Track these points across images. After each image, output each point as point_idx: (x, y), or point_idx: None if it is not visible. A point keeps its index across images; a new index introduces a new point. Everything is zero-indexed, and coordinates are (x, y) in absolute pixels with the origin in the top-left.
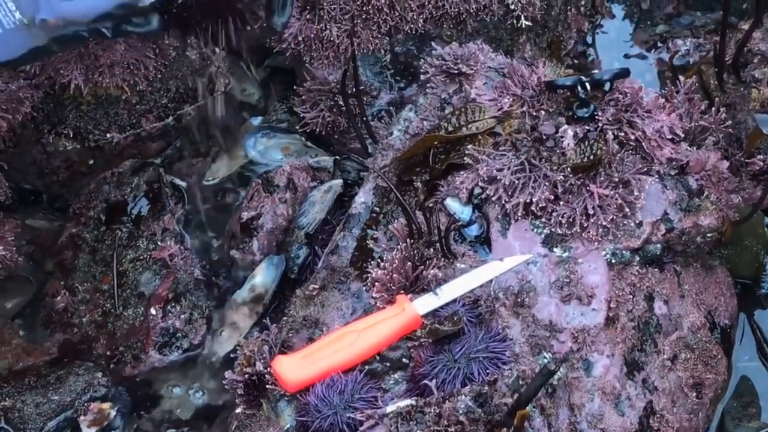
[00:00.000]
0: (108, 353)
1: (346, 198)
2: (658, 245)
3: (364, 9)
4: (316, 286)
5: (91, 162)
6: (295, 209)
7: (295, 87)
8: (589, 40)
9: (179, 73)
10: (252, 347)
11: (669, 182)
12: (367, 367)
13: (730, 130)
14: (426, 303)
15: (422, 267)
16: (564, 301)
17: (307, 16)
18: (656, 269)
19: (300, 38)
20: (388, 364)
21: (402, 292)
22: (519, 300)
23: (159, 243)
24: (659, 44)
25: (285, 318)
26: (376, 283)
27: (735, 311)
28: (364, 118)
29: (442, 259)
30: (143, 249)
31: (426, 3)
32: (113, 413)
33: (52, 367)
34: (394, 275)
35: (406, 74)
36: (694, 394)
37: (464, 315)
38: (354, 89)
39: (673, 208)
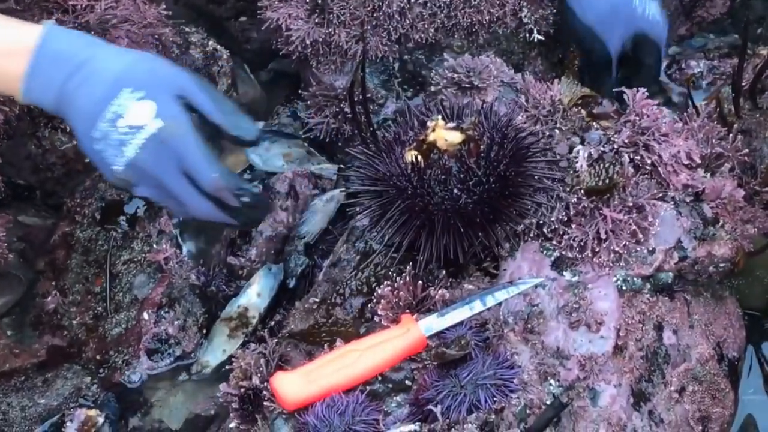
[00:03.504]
0: (98, 357)
1: (348, 209)
2: (670, 273)
3: (375, 15)
4: (317, 300)
5: (87, 159)
6: (296, 217)
7: (300, 91)
8: None
9: None
10: (248, 360)
11: (684, 209)
12: (368, 387)
13: (746, 158)
14: (432, 324)
15: (431, 286)
16: (572, 327)
17: (316, 20)
18: (666, 298)
19: (307, 42)
20: (390, 385)
21: (407, 311)
22: (528, 326)
23: (154, 245)
24: (672, 66)
25: (283, 331)
26: (382, 300)
27: (743, 343)
28: (371, 127)
29: (450, 280)
30: (138, 251)
31: (438, 12)
32: (101, 420)
33: (39, 370)
34: (401, 293)
35: (414, 83)
36: (700, 428)
37: (472, 339)
38: (361, 96)
39: (687, 236)
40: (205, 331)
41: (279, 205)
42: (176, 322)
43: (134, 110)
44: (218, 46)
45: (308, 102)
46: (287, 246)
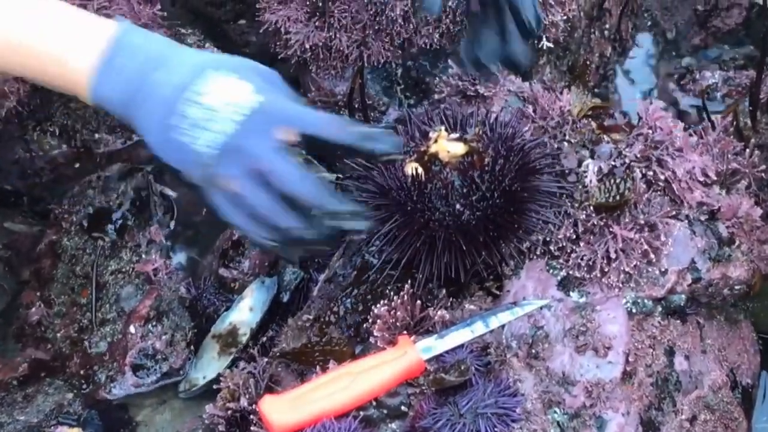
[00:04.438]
0: (81, 372)
1: None
2: (683, 296)
3: (377, 19)
4: (310, 317)
5: (77, 165)
6: None
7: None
8: (611, 68)
9: None
10: (236, 380)
11: (698, 228)
12: (362, 413)
13: (764, 174)
14: (430, 346)
15: (430, 306)
16: (579, 351)
17: (316, 23)
18: (678, 321)
19: (307, 46)
20: (385, 411)
21: (405, 332)
22: (533, 351)
23: (143, 255)
24: (685, 77)
25: (275, 350)
26: (378, 321)
27: (757, 370)
28: None
29: (451, 299)
30: (126, 261)
31: (443, 17)
32: None
33: (20, 385)
34: (398, 313)
35: (417, 91)
36: None
37: (472, 364)
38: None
39: (701, 256)
40: (193, 346)
41: None
42: (164, 337)
43: (227, 86)
44: (215, 49)
45: None
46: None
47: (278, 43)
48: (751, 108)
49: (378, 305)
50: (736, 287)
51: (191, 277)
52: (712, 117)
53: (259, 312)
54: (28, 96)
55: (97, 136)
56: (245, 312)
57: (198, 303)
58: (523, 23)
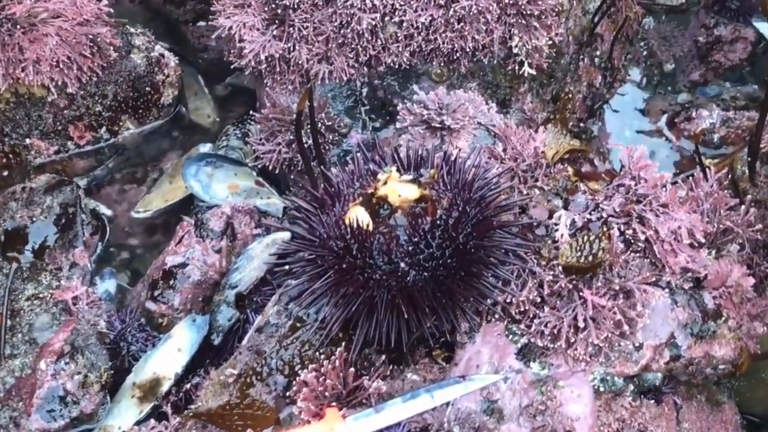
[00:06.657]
0: None
1: (276, 268)
2: (659, 374)
3: (342, 32)
4: (234, 372)
5: (6, 173)
6: (231, 261)
7: (251, 112)
8: (599, 101)
9: (119, 78)
10: None
11: (681, 298)
12: None
13: (759, 235)
14: (362, 424)
15: (365, 375)
16: None
17: (274, 32)
18: (652, 401)
19: (263, 56)
20: None
21: (334, 404)
22: None
23: (63, 281)
24: (680, 115)
25: (191, 407)
26: (304, 388)
27: None
28: (321, 165)
29: (391, 367)
30: (45, 285)
31: (415, 34)
32: None
33: None
34: (328, 380)
35: (384, 112)
36: None
37: None
38: (320, 124)
39: (682, 331)
40: (109, 390)
41: (212, 245)
42: (76, 377)
43: None
44: (166, 52)
45: (260, 126)
46: (216, 295)
47: (232, 52)
48: (749, 158)
49: (305, 370)
50: (721, 366)
51: (119, 307)
52: (707, 162)
53: (186, 354)
54: None
55: (28, 141)
56: (171, 353)
57: (120, 339)
58: None
